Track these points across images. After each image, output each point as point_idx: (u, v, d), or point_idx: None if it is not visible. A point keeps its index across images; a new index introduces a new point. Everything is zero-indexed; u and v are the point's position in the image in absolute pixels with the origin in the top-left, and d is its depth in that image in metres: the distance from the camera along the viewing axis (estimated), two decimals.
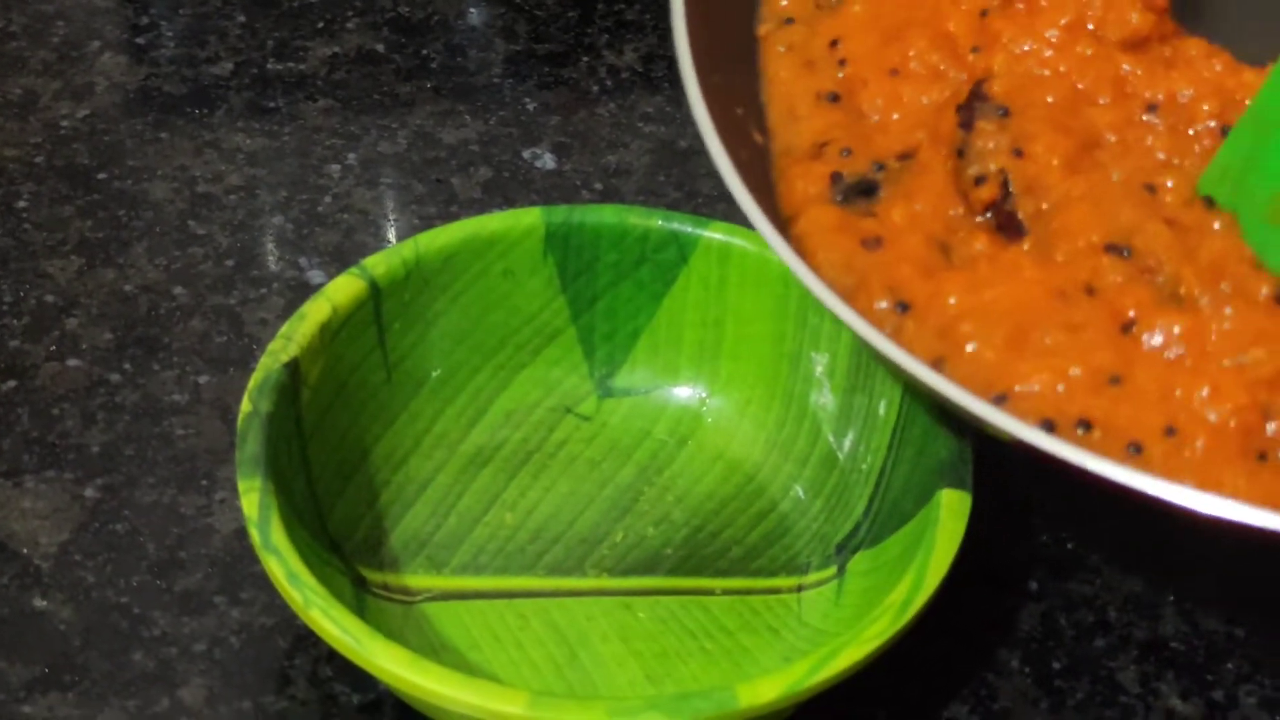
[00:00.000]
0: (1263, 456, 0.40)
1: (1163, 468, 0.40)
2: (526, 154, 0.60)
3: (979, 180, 0.45)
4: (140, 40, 0.64)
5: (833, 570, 0.47)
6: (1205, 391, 0.41)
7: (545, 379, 0.51)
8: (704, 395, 0.51)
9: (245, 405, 0.45)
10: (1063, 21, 0.47)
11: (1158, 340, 0.42)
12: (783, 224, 0.45)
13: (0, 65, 0.62)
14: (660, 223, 0.50)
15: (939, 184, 0.45)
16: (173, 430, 0.51)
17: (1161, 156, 0.45)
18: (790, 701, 0.41)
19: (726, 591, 0.47)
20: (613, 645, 0.46)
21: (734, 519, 0.49)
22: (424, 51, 0.64)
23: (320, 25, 0.64)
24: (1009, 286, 0.43)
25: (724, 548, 0.48)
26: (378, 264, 0.48)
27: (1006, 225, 0.44)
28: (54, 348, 0.53)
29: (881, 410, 0.48)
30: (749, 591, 0.47)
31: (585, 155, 0.60)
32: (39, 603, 0.47)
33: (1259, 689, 0.47)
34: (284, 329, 0.47)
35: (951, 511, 0.44)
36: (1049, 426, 0.40)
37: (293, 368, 0.46)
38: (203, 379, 0.52)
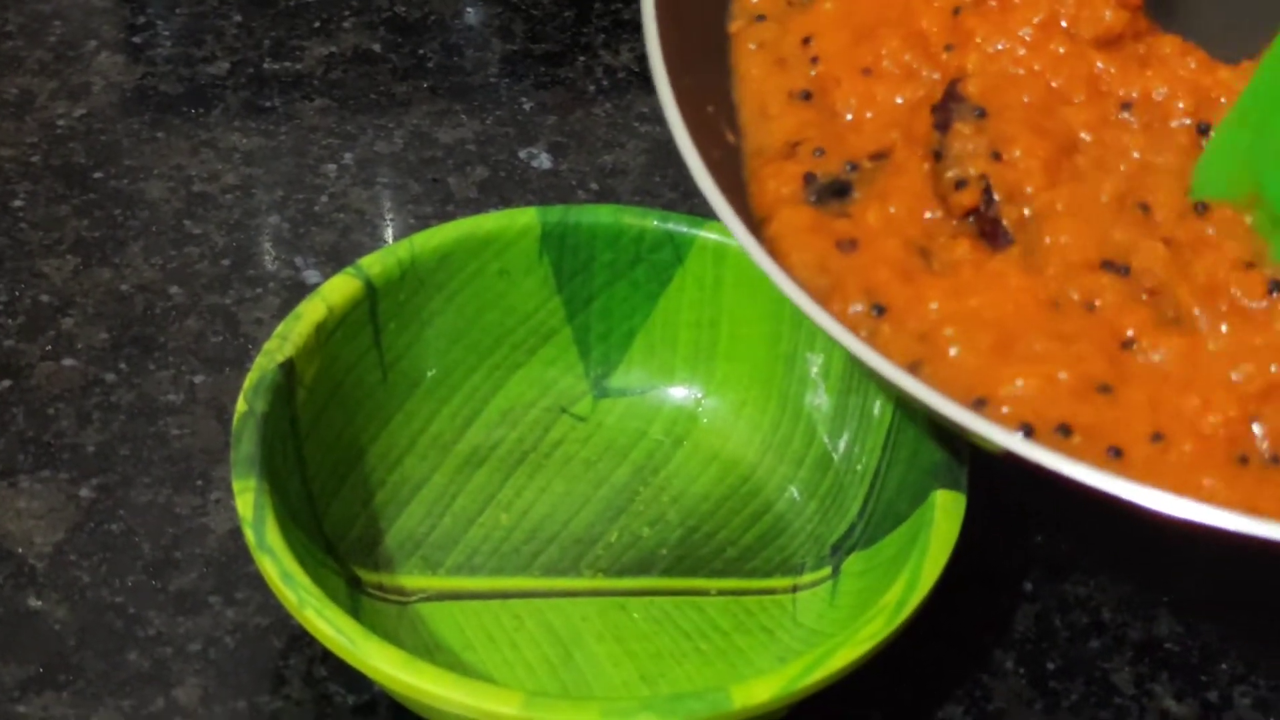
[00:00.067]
0: (1244, 460, 0.40)
1: (1143, 472, 0.40)
2: (523, 154, 0.60)
3: (959, 184, 0.45)
4: (137, 40, 0.64)
5: (827, 571, 0.47)
6: (1197, 403, 0.41)
7: (541, 379, 0.51)
8: (699, 396, 0.51)
9: (240, 405, 0.45)
10: (1036, 19, 0.47)
11: (1155, 358, 0.42)
12: (756, 225, 0.45)
13: None
14: (656, 223, 0.50)
15: (915, 185, 0.45)
16: (168, 430, 0.51)
17: (1137, 156, 0.45)
18: (784, 702, 0.41)
19: (721, 592, 0.47)
20: (607, 645, 0.46)
21: (729, 520, 0.49)
22: (420, 51, 0.64)
23: (316, 25, 0.64)
24: (994, 294, 0.43)
25: (719, 548, 0.48)
26: (373, 264, 0.48)
27: (990, 233, 0.44)
28: (49, 347, 0.53)
29: (876, 411, 0.48)
30: (744, 592, 0.47)
31: (581, 155, 0.60)
32: (34, 602, 0.47)
33: (1253, 690, 0.47)
34: (279, 329, 0.47)
35: (946, 513, 0.44)
36: (1028, 431, 0.40)
37: (288, 368, 0.46)
38: (198, 379, 0.52)
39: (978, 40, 0.47)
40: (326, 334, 0.47)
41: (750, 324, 0.50)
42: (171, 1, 0.65)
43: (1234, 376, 0.41)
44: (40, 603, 0.47)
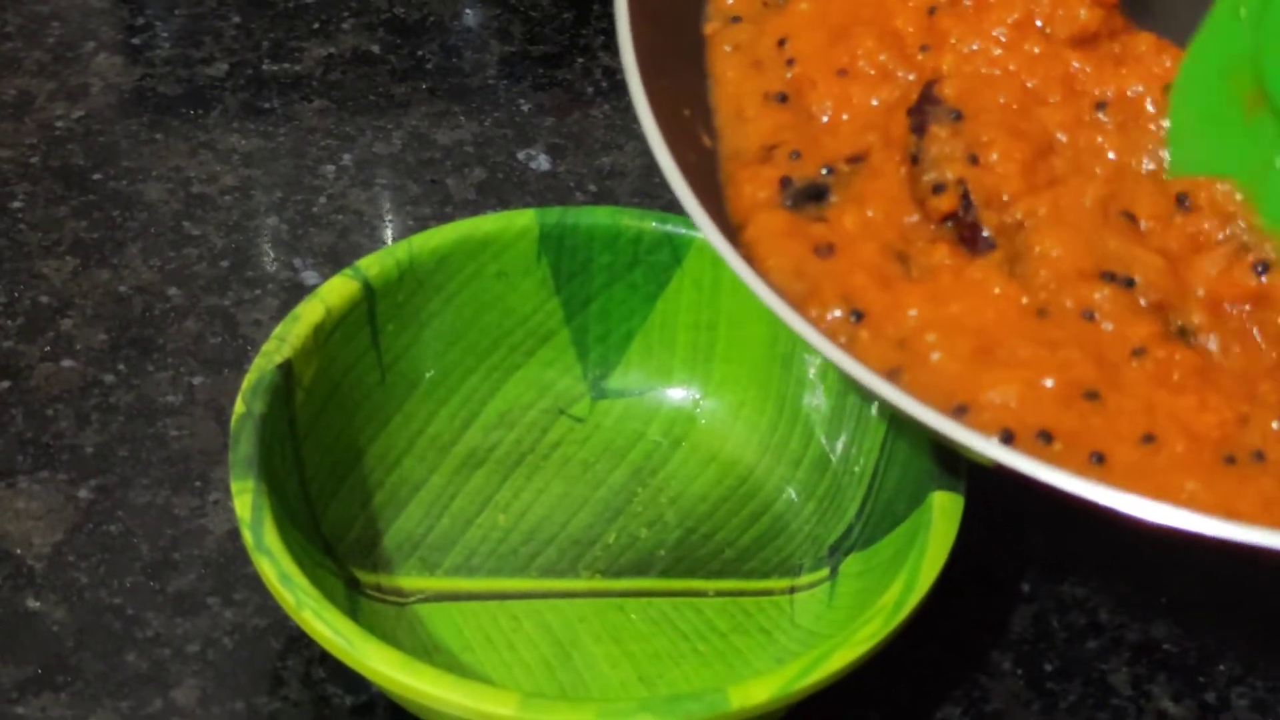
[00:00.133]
0: (1231, 460, 0.40)
1: (1124, 477, 0.40)
2: (521, 155, 0.60)
3: (937, 189, 0.45)
4: (135, 41, 0.64)
5: (825, 572, 0.47)
6: (1194, 403, 0.41)
7: (539, 380, 0.51)
8: (697, 397, 0.51)
9: (239, 406, 0.45)
10: (1011, 19, 0.47)
11: (1160, 369, 0.42)
12: (732, 230, 0.45)
13: None
14: (654, 225, 0.50)
15: (892, 189, 0.45)
16: (167, 431, 0.51)
17: (1113, 157, 0.45)
18: (782, 703, 0.41)
19: (719, 593, 0.47)
20: (605, 646, 0.46)
21: (727, 521, 0.49)
22: (419, 52, 0.64)
23: (315, 26, 0.65)
24: (974, 300, 0.43)
25: (717, 549, 0.48)
26: (372, 265, 0.48)
27: (969, 238, 0.44)
28: (48, 348, 0.53)
29: (874, 412, 0.48)
30: (742, 593, 0.47)
31: (579, 157, 0.60)
32: (32, 603, 0.47)
33: (1251, 691, 0.47)
34: (278, 330, 0.47)
35: (944, 514, 0.44)
36: (1008, 438, 0.40)
37: (286, 369, 0.46)
38: (197, 380, 0.52)
39: (953, 40, 0.47)
40: (325, 335, 0.47)
41: (748, 325, 0.50)
42: (170, 3, 0.65)
43: (1241, 410, 0.41)
44: (38, 604, 0.47)
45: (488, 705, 0.40)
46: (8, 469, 0.50)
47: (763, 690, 0.40)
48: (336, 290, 0.48)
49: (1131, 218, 0.44)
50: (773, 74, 0.48)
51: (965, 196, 0.44)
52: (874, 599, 0.43)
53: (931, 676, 0.47)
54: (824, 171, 0.46)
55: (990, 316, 0.42)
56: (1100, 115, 0.46)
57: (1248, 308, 0.43)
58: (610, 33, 0.65)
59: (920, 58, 0.47)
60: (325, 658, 0.46)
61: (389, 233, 0.58)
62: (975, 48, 0.47)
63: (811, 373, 0.50)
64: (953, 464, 0.45)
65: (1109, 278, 0.43)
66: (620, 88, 0.63)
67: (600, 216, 0.50)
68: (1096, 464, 0.40)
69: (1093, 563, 0.49)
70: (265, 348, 0.46)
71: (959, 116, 0.45)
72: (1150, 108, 0.46)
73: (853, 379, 0.41)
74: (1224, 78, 0.45)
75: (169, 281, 0.55)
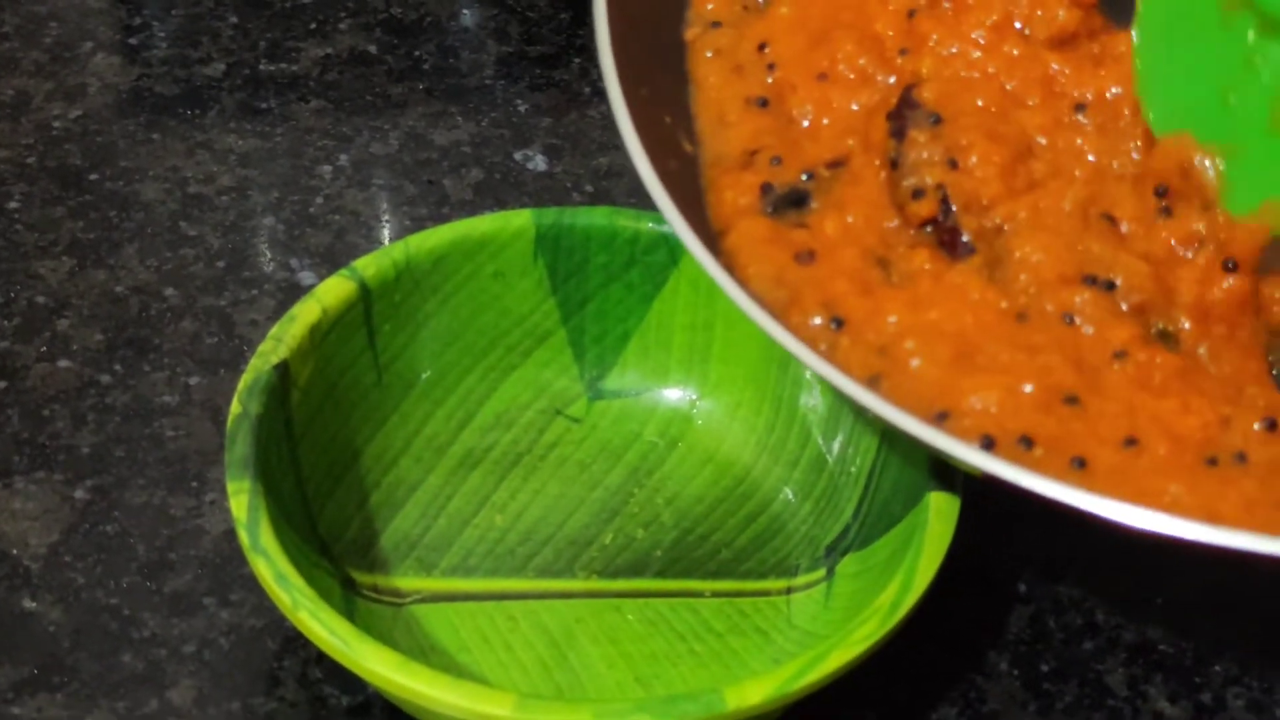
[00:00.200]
0: (1213, 461, 0.40)
1: (1105, 482, 0.40)
2: (518, 155, 0.60)
3: (916, 194, 0.45)
4: (133, 41, 0.64)
5: (822, 572, 0.47)
6: (1176, 405, 0.41)
7: (535, 381, 0.51)
8: (694, 398, 0.51)
9: (235, 407, 0.45)
10: (990, 21, 0.47)
11: (1141, 371, 0.42)
12: (714, 237, 0.45)
13: None
14: (650, 225, 0.50)
15: (872, 195, 0.45)
16: (163, 432, 0.51)
17: (1092, 159, 0.45)
18: (778, 704, 0.41)
19: (716, 594, 0.47)
20: (602, 647, 0.46)
21: (723, 521, 0.49)
22: (416, 53, 0.64)
23: (313, 26, 0.65)
24: (954, 305, 0.43)
25: (713, 550, 0.48)
26: (368, 265, 0.48)
27: (949, 243, 0.44)
28: (45, 349, 0.53)
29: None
30: (738, 594, 0.47)
31: (576, 157, 0.60)
32: (28, 604, 0.47)
33: (1247, 691, 0.47)
34: (274, 330, 0.47)
35: (940, 514, 0.44)
36: (989, 444, 0.40)
37: (283, 369, 0.46)
38: (193, 380, 0.52)
39: (932, 43, 0.47)
40: (321, 335, 0.47)
41: (744, 326, 0.50)
42: (167, 3, 0.65)
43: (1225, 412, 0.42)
44: (35, 604, 0.47)
45: (484, 706, 0.40)
46: (4, 469, 0.50)
47: (759, 691, 0.40)
48: (333, 291, 0.48)
49: (1112, 220, 0.44)
50: (753, 79, 0.48)
51: (945, 201, 0.44)
52: (870, 599, 0.43)
53: (928, 677, 0.47)
54: (804, 177, 0.46)
55: (970, 322, 0.42)
56: (1080, 117, 0.46)
57: (1235, 315, 0.43)
58: None
59: (900, 61, 0.47)
60: (322, 658, 0.46)
61: (386, 233, 0.58)
62: (954, 50, 0.47)
63: (808, 373, 0.50)
64: (949, 464, 0.45)
65: (1090, 281, 0.43)
66: None
67: (597, 217, 0.50)
68: (1078, 469, 0.40)
69: (1089, 563, 0.49)
70: (261, 348, 0.46)
71: (938, 120, 0.45)
72: (1128, 111, 0.46)
73: (834, 387, 0.41)
74: None
75: (165, 282, 0.55)
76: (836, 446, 0.49)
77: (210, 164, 0.59)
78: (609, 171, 0.60)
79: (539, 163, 0.60)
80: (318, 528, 0.47)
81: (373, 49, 0.64)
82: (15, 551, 0.48)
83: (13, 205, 0.57)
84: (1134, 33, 0.46)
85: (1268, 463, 0.41)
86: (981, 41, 0.47)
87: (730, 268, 0.43)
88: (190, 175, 0.59)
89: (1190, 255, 0.44)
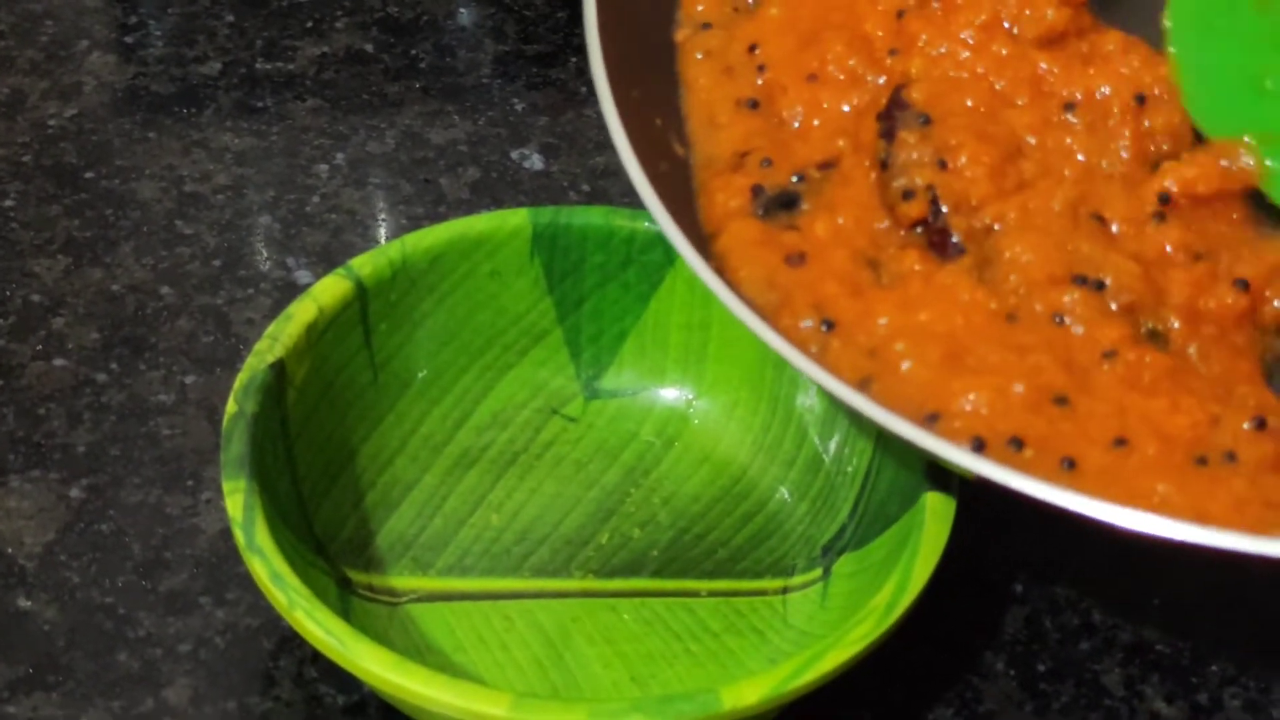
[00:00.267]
0: (1202, 460, 0.40)
1: (1095, 483, 0.40)
2: (514, 155, 0.60)
3: (906, 195, 0.45)
4: (129, 40, 0.64)
5: (818, 572, 0.47)
6: (1165, 405, 0.41)
7: (532, 380, 0.51)
8: (691, 397, 0.51)
9: (231, 406, 0.45)
10: (979, 20, 0.47)
11: (1131, 371, 0.42)
12: (705, 240, 0.45)
13: None
14: (647, 224, 0.50)
15: (862, 195, 0.45)
16: (159, 430, 0.51)
17: (1082, 159, 0.45)
18: (774, 704, 0.41)
19: (712, 593, 0.47)
20: (598, 647, 0.46)
21: (720, 521, 0.49)
22: (413, 51, 0.64)
23: (309, 25, 0.64)
24: (945, 307, 0.43)
25: (710, 549, 0.48)
26: (364, 264, 0.48)
27: (939, 244, 0.44)
28: (40, 347, 0.53)
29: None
30: (734, 593, 0.47)
31: (573, 156, 0.60)
32: (23, 603, 0.47)
33: (1243, 691, 0.47)
34: (270, 329, 0.47)
35: (936, 514, 0.44)
36: (979, 445, 0.40)
37: (278, 368, 0.46)
38: (189, 379, 0.52)
39: (921, 43, 0.47)
40: (317, 334, 0.47)
41: (740, 325, 0.50)
42: (163, 1, 0.65)
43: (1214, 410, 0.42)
44: (30, 603, 0.47)
45: (480, 705, 0.40)
46: None
47: (755, 691, 0.40)
48: (329, 289, 0.48)
49: (1102, 220, 0.44)
50: (744, 80, 0.48)
51: (934, 202, 0.44)
52: (867, 599, 0.43)
53: (924, 677, 0.47)
54: (795, 179, 0.46)
55: (959, 323, 0.42)
56: (1069, 116, 0.46)
57: (1231, 324, 0.43)
58: None
59: (889, 61, 0.47)
60: (317, 657, 0.46)
61: (382, 232, 0.57)
62: (943, 50, 0.47)
63: (795, 370, 0.50)
64: (944, 465, 0.45)
65: (1080, 281, 0.43)
66: None
67: (593, 216, 0.50)
68: (1068, 469, 0.40)
69: (1085, 564, 0.49)
70: (257, 347, 0.46)
71: (927, 121, 0.45)
72: (1117, 110, 0.46)
73: (824, 390, 0.41)
74: None
75: (161, 280, 0.55)
76: (833, 446, 0.49)
77: (206, 163, 0.59)
78: (605, 171, 0.60)
79: (535, 162, 0.60)
80: (313, 527, 0.47)
81: (369, 48, 0.64)
82: (10, 550, 0.48)
83: (8, 204, 0.57)
84: (1165, 20, 0.46)
85: (1257, 461, 0.41)
86: (970, 41, 0.47)
87: (721, 270, 0.43)
88: (186, 174, 0.59)
89: (1187, 264, 0.44)
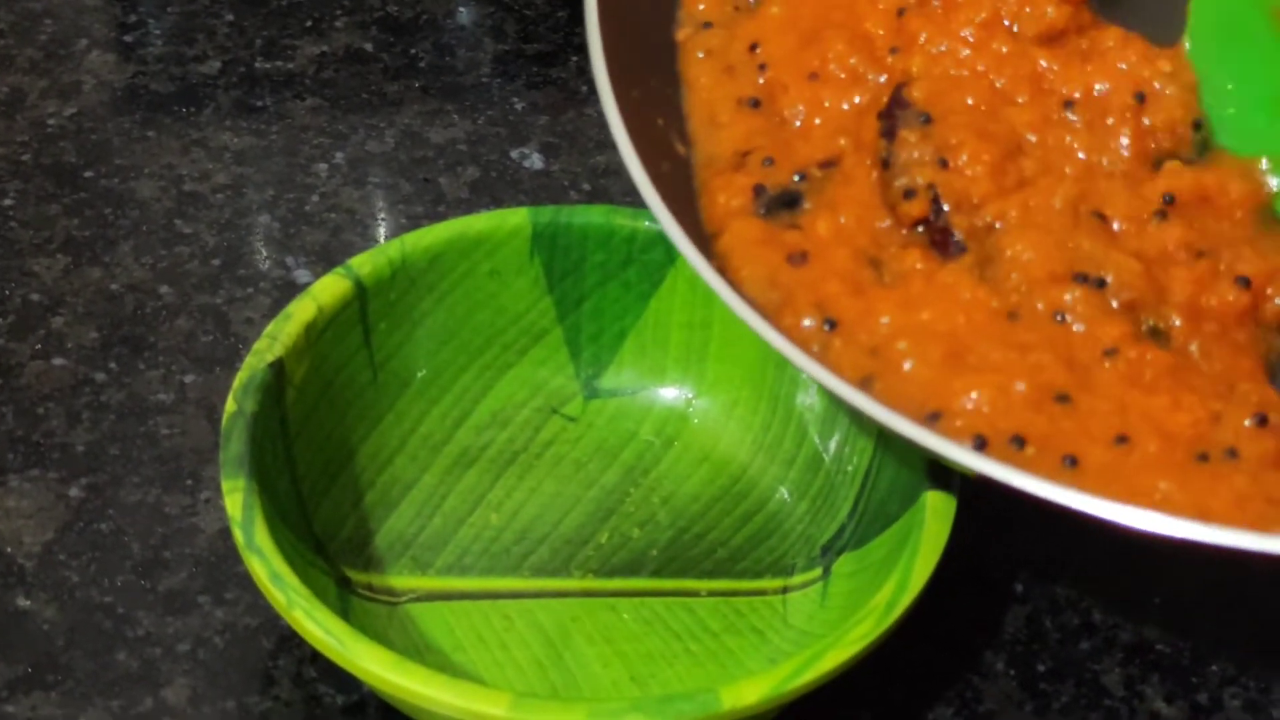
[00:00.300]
0: (1204, 457, 0.40)
1: (1097, 480, 0.40)
2: (514, 154, 0.60)
3: (908, 194, 0.45)
4: (128, 38, 0.64)
5: (818, 572, 0.47)
6: (1167, 402, 0.41)
7: (531, 379, 0.51)
8: (691, 396, 0.51)
9: (230, 405, 0.45)
10: (979, 18, 0.47)
11: (1132, 369, 0.42)
12: (706, 239, 0.45)
13: None
14: (647, 224, 0.50)
15: (863, 194, 0.45)
16: (158, 430, 0.51)
17: (1082, 156, 0.45)
18: (774, 703, 0.41)
19: (712, 593, 0.47)
20: (597, 646, 0.46)
21: (720, 520, 0.49)
22: (412, 51, 0.64)
23: (308, 24, 0.64)
24: (946, 306, 0.43)
25: (709, 549, 0.48)
26: (364, 264, 0.48)
27: (941, 243, 0.44)
28: (39, 346, 0.53)
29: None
30: (734, 593, 0.47)
31: (573, 155, 0.60)
32: (22, 602, 0.47)
33: (1244, 691, 0.47)
34: (269, 329, 0.46)
35: (936, 514, 0.44)
36: (981, 444, 0.40)
37: (278, 367, 0.46)
38: (188, 378, 0.52)
39: (922, 42, 0.47)
40: (316, 334, 0.47)
41: (741, 325, 0.50)
42: (163, 0, 0.65)
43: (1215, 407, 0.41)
44: (29, 602, 0.47)
45: (479, 705, 0.40)
46: None
47: (755, 690, 0.40)
48: (328, 289, 0.48)
49: (1103, 218, 0.44)
50: (745, 79, 0.48)
51: (936, 201, 0.44)
52: (867, 599, 0.43)
53: (924, 677, 0.47)
54: (797, 178, 0.46)
55: (961, 321, 0.42)
56: (1069, 114, 0.46)
57: (1232, 322, 0.43)
58: None
59: (890, 60, 0.47)
60: (317, 657, 0.46)
61: (381, 231, 0.57)
62: (944, 48, 0.47)
63: (797, 369, 0.50)
64: (945, 464, 0.45)
65: (1081, 279, 0.43)
66: None
67: (594, 215, 0.50)
68: (1070, 467, 0.40)
69: (1086, 563, 0.49)
70: (257, 346, 0.46)
71: (928, 120, 0.45)
72: (1116, 107, 0.46)
73: (826, 389, 0.41)
74: None
75: (161, 279, 0.55)
76: (833, 445, 0.49)
77: (205, 162, 0.59)
78: (606, 170, 0.59)
79: (535, 161, 0.60)
80: (313, 526, 0.47)
81: (369, 47, 0.64)
82: (9, 550, 0.48)
83: (7, 202, 0.57)
84: (1185, 42, 0.46)
85: (1259, 458, 0.41)
86: (970, 39, 0.47)
87: (723, 270, 0.43)
88: (185, 173, 0.59)
89: (1189, 262, 0.44)
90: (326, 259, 0.56)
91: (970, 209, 0.44)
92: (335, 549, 0.47)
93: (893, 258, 0.44)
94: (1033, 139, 0.45)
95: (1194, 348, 0.43)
